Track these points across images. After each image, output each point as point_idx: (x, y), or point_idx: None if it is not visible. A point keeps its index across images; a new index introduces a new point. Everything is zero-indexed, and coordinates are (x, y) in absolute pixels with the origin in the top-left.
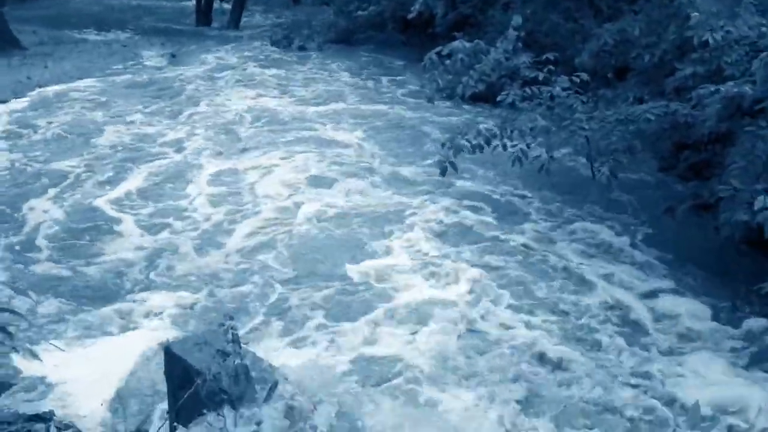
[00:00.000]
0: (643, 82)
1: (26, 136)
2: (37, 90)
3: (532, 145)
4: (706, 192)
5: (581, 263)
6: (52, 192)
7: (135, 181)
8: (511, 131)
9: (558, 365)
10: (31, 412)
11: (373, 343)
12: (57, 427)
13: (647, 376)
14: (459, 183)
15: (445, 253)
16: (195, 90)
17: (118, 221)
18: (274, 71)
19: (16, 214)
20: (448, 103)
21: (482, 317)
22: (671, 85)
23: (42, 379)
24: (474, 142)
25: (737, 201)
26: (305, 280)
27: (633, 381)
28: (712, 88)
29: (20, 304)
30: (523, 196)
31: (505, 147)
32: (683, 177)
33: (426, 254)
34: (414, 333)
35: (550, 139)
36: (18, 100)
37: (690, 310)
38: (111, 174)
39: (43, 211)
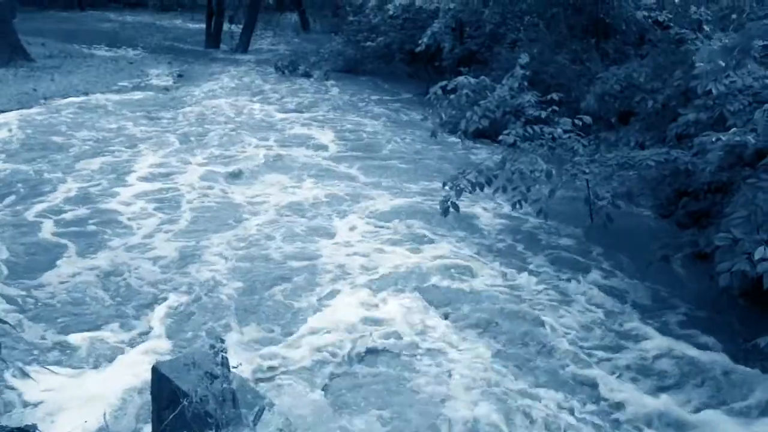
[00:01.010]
0: (646, 127)
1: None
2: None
3: (533, 188)
4: (703, 240)
5: (566, 309)
6: None
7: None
8: (512, 173)
9: None
10: (15, 425)
11: None
12: None
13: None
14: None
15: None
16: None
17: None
18: (272, 96)
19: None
20: (453, 138)
21: None
22: (673, 132)
23: (26, 394)
24: (474, 181)
25: (736, 251)
26: None
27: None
28: (714, 138)
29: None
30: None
31: (505, 189)
32: (681, 224)
33: None
34: None
35: (550, 182)
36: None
37: (684, 360)
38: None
39: None
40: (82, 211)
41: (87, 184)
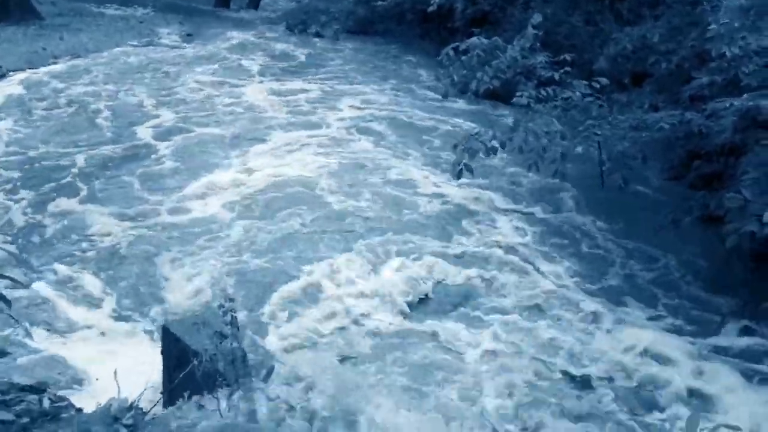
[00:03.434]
0: (659, 89)
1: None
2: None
3: (547, 149)
4: (714, 203)
5: (577, 269)
6: None
7: None
8: (526, 134)
9: None
10: (25, 382)
11: None
12: (50, 399)
13: None
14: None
15: None
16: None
17: None
18: (283, 52)
19: None
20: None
21: None
22: (687, 94)
23: (37, 351)
24: (489, 144)
25: (747, 212)
26: None
27: None
28: (728, 103)
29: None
30: (531, 201)
31: (521, 150)
32: (692, 187)
33: None
34: None
35: (565, 144)
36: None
37: (691, 324)
38: None
39: None
40: None
41: None
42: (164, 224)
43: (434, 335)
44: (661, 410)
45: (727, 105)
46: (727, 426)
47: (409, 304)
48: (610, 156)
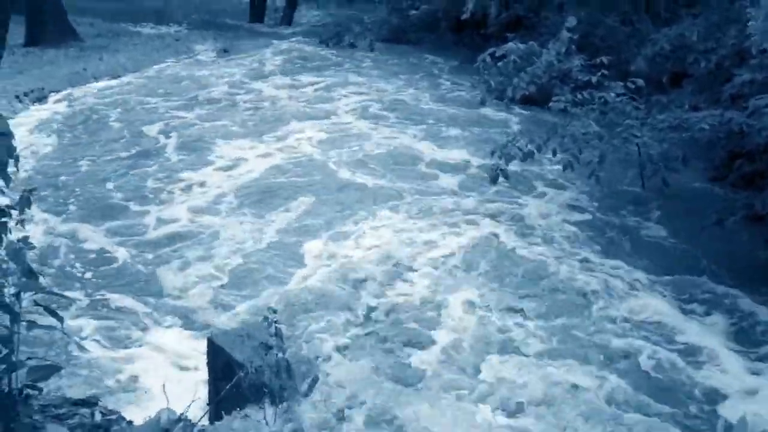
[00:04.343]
0: (699, 89)
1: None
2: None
3: (584, 151)
4: (758, 203)
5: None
6: None
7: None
8: (563, 137)
9: None
10: (77, 396)
11: None
12: (102, 413)
13: None
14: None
15: None
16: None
17: None
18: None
19: None
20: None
21: None
22: (727, 93)
23: (88, 364)
24: (526, 149)
25: None
26: None
27: None
28: None
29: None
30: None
31: (555, 153)
32: (735, 187)
33: None
34: None
35: (602, 146)
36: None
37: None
38: None
39: None
40: None
41: None
42: None
43: None
44: None
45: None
46: None
47: None
48: (650, 158)
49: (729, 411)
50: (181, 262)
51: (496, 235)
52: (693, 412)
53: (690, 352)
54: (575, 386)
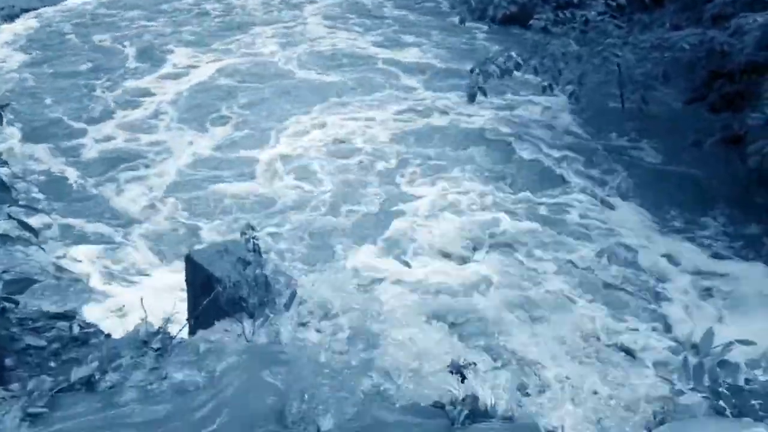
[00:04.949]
0: (681, 9)
1: None
2: None
3: (564, 71)
4: (736, 124)
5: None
6: None
7: None
8: (543, 57)
9: None
10: (55, 310)
11: None
12: (80, 326)
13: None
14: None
15: None
16: None
17: None
18: None
19: None
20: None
21: None
22: (709, 12)
23: (67, 278)
24: (504, 67)
25: None
26: None
27: None
28: (751, 19)
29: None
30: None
31: (536, 71)
32: (714, 108)
33: None
34: None
35: (582, 66)
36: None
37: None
38: None
39: None
40: None
41: None
42: None
43: None
44: None
45: (751, 21)
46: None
47: None
48: (630, 77)
49: None
50: None
51: None
52: None
53: None
54: None
